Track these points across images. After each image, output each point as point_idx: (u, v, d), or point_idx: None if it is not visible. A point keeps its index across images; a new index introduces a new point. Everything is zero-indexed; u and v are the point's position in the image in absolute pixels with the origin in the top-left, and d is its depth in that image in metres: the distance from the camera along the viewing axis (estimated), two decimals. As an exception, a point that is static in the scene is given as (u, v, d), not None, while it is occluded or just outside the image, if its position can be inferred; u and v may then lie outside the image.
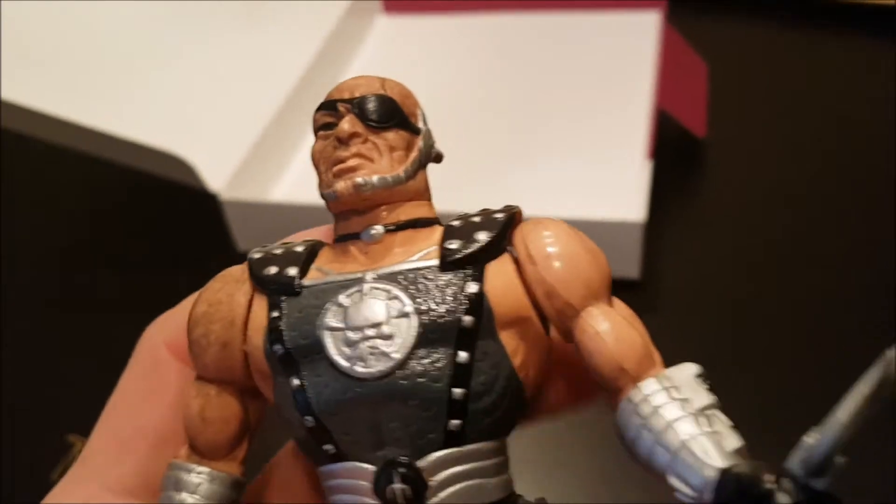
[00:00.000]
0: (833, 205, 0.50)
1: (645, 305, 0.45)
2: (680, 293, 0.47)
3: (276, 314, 0.18)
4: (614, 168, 0.48)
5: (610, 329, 0.18)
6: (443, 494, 0.17)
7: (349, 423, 0.18)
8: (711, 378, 0.44)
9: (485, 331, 0.18)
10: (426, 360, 0.17)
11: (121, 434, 0.22)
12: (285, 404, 0.18)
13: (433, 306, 0.17)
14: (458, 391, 0.17)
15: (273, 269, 0.19)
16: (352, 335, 0.18)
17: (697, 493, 0.16)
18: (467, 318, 0.17)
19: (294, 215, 0.45)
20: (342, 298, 0.18)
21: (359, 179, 0.18)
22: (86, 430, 0.22)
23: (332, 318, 0.18)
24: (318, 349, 0.18)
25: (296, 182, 0.50)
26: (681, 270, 0.48)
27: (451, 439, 0.17)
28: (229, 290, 0.19)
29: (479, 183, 0.47)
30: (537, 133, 0.52)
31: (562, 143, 0.51)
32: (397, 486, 0.17)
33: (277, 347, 0.18)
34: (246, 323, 0.19)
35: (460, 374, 0.17)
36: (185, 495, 0.19)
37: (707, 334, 0.45)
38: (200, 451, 0.20)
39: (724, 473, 0.16)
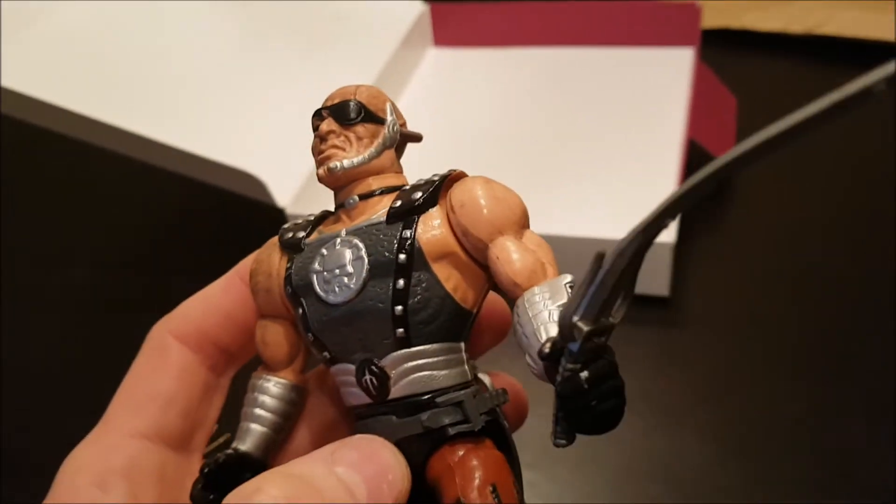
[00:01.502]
0: (855, 233, 0.53)
1: (674, 321, 0.49)
2: (707, 311, 0.49)
3: (289, 266, 0.25)
4: (647, 193, 0.51)
5: (509, 254, 0.23)
6: (401, 383, 0.23)
7: (333, 336, 0.24)
8: (735, 391, 0.47)
9: (418, 264, 0.23)
10: (375, 289, 0.23)
11: (135, 398, 0.26)
12: (300, 327, 0.25)
13: (379, 249, 0.23)
14: (398, 308, 0.23)
15: (290, 234, 0.25)
16: (327, 275, 0.24)
17: (536, 365, 0.21)
18: (401, 256, 0.23)
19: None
20: (324, 249, 0.24)
21: (331, 164, 0.24)
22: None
23: (316, 264, 0.24)
24: (310, 286, 0.24)
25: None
26: (708, 290, 0.51)
27: (400, 343, 0.23)
28: (269, 251, 0.26)
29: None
30: (575, 159, 0.55)
31: (598, 169, 0.54)
32: (368, 378, 0.23)
33: (288, 288, 0.25)
34: (280, 274, 0.25)
35: (399, 296, 0.23)
36: (259, 395, 0.26)
37: (732, 349, 0.47)
38: (268, 367, 0.27)
39: (547, 341, 0.21)
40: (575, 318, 0.20)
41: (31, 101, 0.50)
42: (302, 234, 0.25)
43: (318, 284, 0.24)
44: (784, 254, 0.52)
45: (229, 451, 0.25)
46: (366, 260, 0.23)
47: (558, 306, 0.21)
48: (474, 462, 0.22)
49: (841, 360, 0.46)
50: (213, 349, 0.28)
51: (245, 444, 0.26)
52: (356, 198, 0.24)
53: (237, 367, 0.29)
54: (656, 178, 0.52)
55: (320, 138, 0.25)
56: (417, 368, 0.23)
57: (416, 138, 0.26)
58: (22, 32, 0.55)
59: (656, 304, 0.49)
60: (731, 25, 0.69)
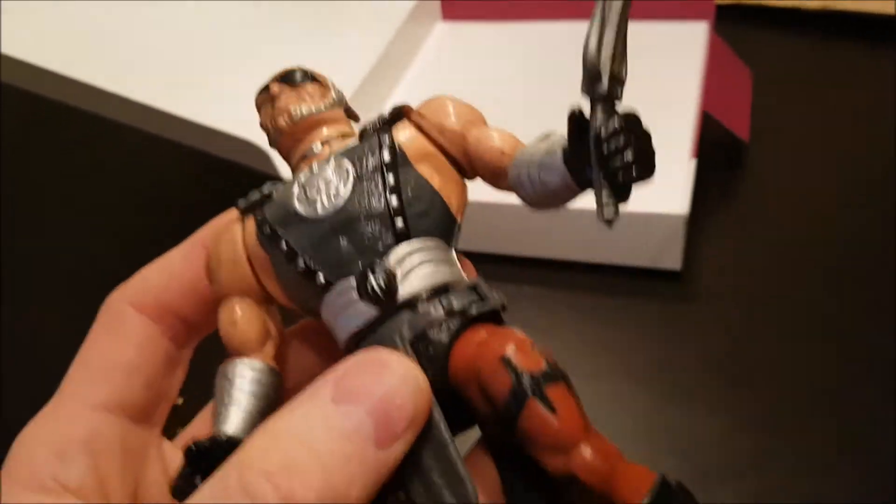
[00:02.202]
0: (872, 207, 0.52)
1: (686, 295, 0.48)
2: (719, 285, 0.49)
3: (259, 218, 0.24)
4: (660, 165, 0.50)
5: (488, 133, 0.24)
6: (409, 278, 0.22)
7: (326, 254, 0.23)
8: (747, 365, 0.46)
9: (402, 162, 0.23)
10: (366, 189, 0.23)
11: (93, 369, 0.25)
12: (283, 270, 0.23)
13: (361, 157, 0.23)
14: (393, 199, 0.22)
15: (248, 199, 0.24)
16: (310, 194, 0.23)
17: (562, 179, 0.21)
18: (386, 155, 0.23)
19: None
20: (301, 177, 0.23)
21: (292, 110, 0.24)
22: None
23: (295, 190, 0.23)
24: (291, 213, 0.23)
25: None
26: (720, 264, 0.50)
27: (401, 237, 0.22)
28: (226, 226, 0.25)
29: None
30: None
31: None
32: (372, 281, 0.22)
33: (266, 229, 0.23)
34: (249, 233, 0.24)
35: (392, 189, 0.23)
36: (236, 379, 0.24)
37: (744, 323, 0.47)
38: (239, 352, 0.24)
39: (572, 115, 0.21)
40: (600, 56, 0.20)
41: (32, 68, 0.49)
42: (267, 189, 0.24)
43: (300, 206, 0.23)
44: (798, 227, 0.52)
45: (215, 434, 0.23)
46: (350, 168, 0.23)
47: (552, 140, 0.22)
48: (506, 332, 0.21)
49: (855, 333, 0.45)
50: (174, 319, 0.26)
51: (230, 427, 0.23)
52: (319, 144, 0.24)
53: (199, 338, 0.28)
54: (669, 150, 0.51)
55: (272, 101, 0.25)
56: (422, 262, 0.22)
57: (356, 117, 0.27)
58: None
59: (668, 278, 0.49)
60: (746, 0, 0.68)
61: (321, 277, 0.23)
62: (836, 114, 0.58)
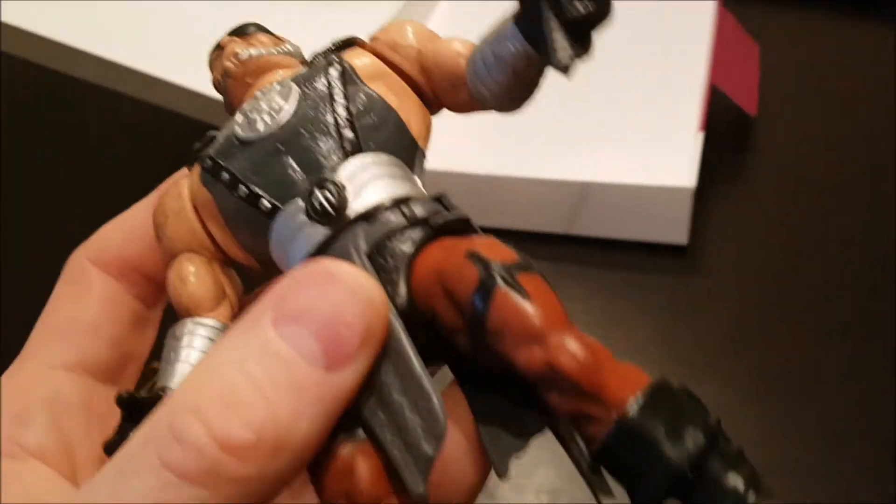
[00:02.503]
0: (883, 184, 0.51)
1: (692, 269, 0.48)
2: (725, 259, 0.48)
3: (203, 155, 0.22)
4: (667, 139, 0.50)
5: (442, 41, 0.22)
6: (362, 194, 0.20)
7: (269, 174, 0.21)
8: (754, 340, 0.46)
9: (351, 81, 0.21)
10: (311, 103, 0.21)
11: (55, 328, 0.24)
12: (227, 206, 0.21)
13: (310, 78, 0.21)
14: (340, 110, 0.21)
15: (200, 143, 0.23)
16: (252, 115, 0.21)
17: (515, 44, 0.20)
18: (332, 71, 0.22)
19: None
20: (245, 106, 0.22)
21: (240, 52, 0.23)
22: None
23: (237, 118, 0.22)
24: (231, 141, 0.21)
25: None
26: (727, 238, 0.49)
27: (352, 149, 0.20)
28: (172, 182, 0.23)
29: (537, 146, 0.50)
30: (596, 104, 0.54)
31: (618, 114, 0.53)
32: (320, 197, 0.20)
33: (206, 163, 0.21)
34: (192, 179, 0.22)
35: (338, 100, 0.21)
36: (187, 337, 0.21)
37: (751, 298, 0.46)
38: (190, 311, 0.22)
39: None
40: None
41: (32, 37, 0.49)
42: (206, 139, 0.22)
43: (241, 131, 0.21)
44: (805, 202, 0.51)
45: (156, 388, 0.21)
46: (295, 87, 0.21)
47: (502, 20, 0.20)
48: (474, 238, 0.19)
49: (864, 310, 0.45)
50: (139, 277, 0.25)
51: (174, 382, 0.21)
52: (273, 85, 0.22)
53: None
54: (676, 124, 0.51)
55: (220, 51, 0.23)
56: (376, 177, 0.20)
57: None
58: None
59: (674, 253, 0.48)
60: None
61: (265, 203, 0.20)
62: (845, 89, 0.58)
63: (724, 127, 0.54)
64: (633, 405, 0.16)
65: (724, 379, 0.42)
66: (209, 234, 0.22)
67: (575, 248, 0.49)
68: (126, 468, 0.16)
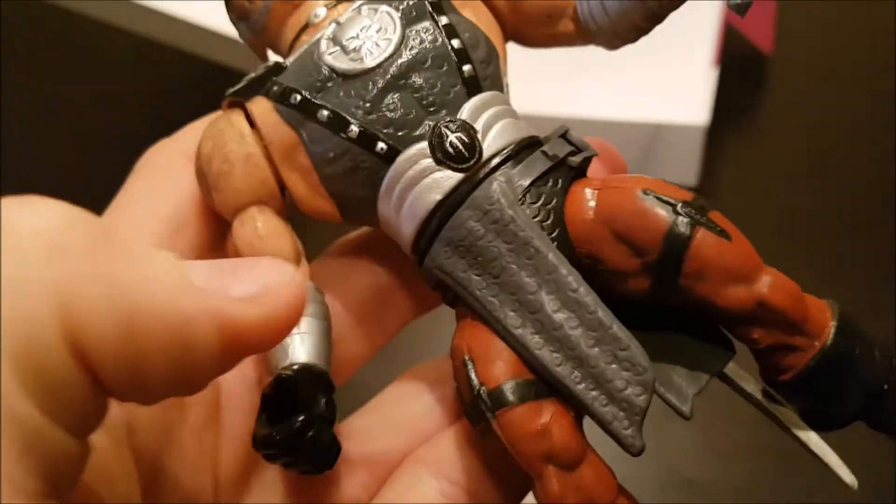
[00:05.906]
0: (893, 125, 0.50)
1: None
2: (736, 201, 0.47)
3: (274, 87, 0.19)
4: (680, 74, 0.48)
5: None
6: (491, 133, 0.19)
7: (387, 112, 0.19)
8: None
9: (447, 6, 0.20)
10: (418, 33, 0.19)
11: (132, 218, 0.20)
12: (323, 148, 0.19)
13: (398, 1, 0.19)
14: (454, 42, 0.19)
15: (253, 74, 0.20)
16: (348, 44, 0.19)
17: None
18: None
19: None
20: (327, 32, 0.19)
21: None
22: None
23: (325, 47, 0.19)
24: (327, 73, 0.19)
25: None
26: (738, 180, 0.48)
27: (472, 86, 0.19)
28: (225, 121, 0.20)
29: (550, 83, 0.48)
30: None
31: (633, 54, 0.51)
32: (451, 140, 0.18)
33: (293, 97, 0.19)
34: (262, 117, 0.19)
35: (449, 31, 0.19)
36: None
37: (760, 241, 0.45)
38: None
39: None
40: None
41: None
42: (262, 70, 0.20)
43: (338, 62, 0.19)
44: (820, 142, 0.50)
45: (294, 365, 0.18)
46: (391, 11, 0.19)
47: None
48: (622, 175, 0.19)
49: (878, 259, 0.44)
50: None
51: (303, 356, 0.19)
52: (322, 8, 0.20)
53: None
54: (689, 59, 0.49)
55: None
56: (499, 116, 0.19)
57: None
58: None
59: (683, 193, 0.47)
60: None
61: (381, 144, 0.18)
62: (862, 28, 0.56)
63: (738, 66, 0.53)
64: (831, 332, 0.18)
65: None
66: (280, 185, 0.20)
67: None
68: None
